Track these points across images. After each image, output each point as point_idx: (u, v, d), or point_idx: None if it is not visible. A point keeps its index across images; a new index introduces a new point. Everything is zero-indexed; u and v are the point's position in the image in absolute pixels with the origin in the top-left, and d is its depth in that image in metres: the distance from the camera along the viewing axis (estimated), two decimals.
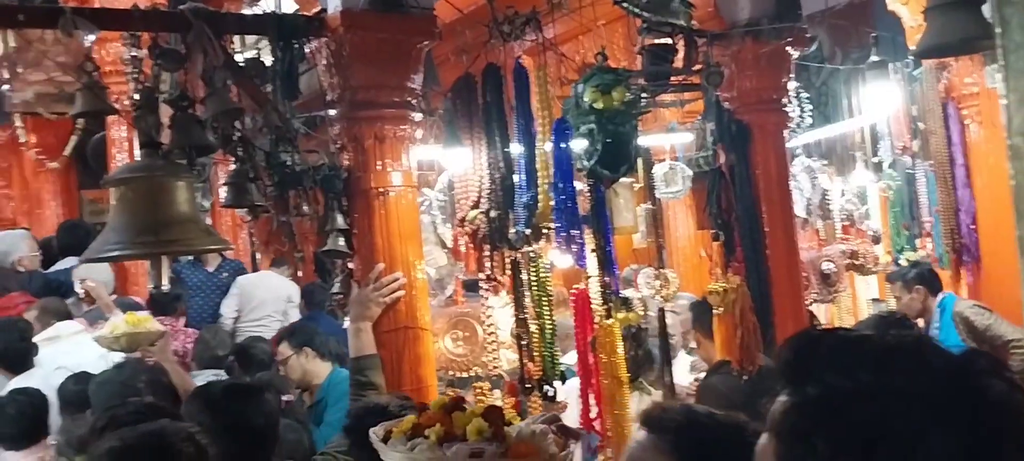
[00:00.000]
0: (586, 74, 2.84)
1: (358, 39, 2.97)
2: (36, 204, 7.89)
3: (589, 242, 2.93)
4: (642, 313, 3.29)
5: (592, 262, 2.95)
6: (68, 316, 4.36)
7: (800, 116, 4.30)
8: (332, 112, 3.08)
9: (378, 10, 2.96)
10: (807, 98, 4.52)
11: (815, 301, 4.87)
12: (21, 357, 3.80)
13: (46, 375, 3.75)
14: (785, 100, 3.77)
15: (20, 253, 5.51)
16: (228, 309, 5.38)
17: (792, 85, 3.85)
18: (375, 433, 1.84)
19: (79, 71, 2.77)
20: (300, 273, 9.96)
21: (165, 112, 2.90)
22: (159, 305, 4.42)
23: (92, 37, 2.89)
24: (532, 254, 3.06)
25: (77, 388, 3.40)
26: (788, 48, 3.70)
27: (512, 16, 3.02)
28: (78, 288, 4.53)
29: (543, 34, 3.05)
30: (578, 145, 2.81)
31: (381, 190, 3.03)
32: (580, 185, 2.98)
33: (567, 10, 3.58)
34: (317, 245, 8.47)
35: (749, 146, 3.61)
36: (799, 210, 4.83)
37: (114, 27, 2.81)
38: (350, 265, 3.17)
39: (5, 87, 6.73)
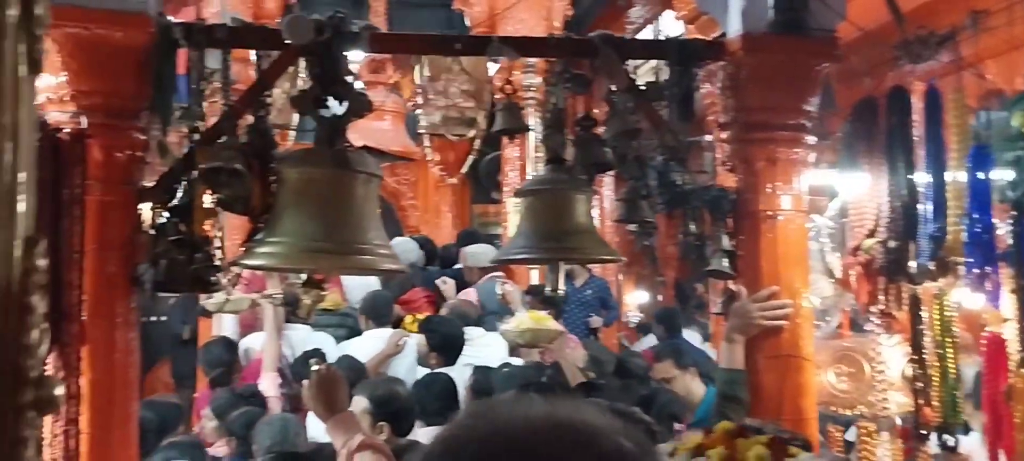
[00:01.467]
0: (1015, 98, 2.58)
1: (756, 62, 2.97)
2: (434, 214, 8.92)
3: (1005, 282, 2.65)
4: None
5: (1008, 304, 2.66)
6: (476, 321, 4.88)
7: None
8: (708, 135, 3.12)
9: (780, 33, 2.94)
10: None
11: None
12: (455, 351, 4.33)
13: (457, 369, 4.21)
14: None
15: (418, 255, 6.28)
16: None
17: None
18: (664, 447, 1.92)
19: (499, 92, 3.08)
20: (660, 297, 10.10)
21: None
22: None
23: (496, 66, 3.20)
24: (936, 290, 2.84)
25: (483, 380, 3.78)
26: None
27: (926, 36, 2.84)
28: (498, 290, 5.05)
29: (961, 55, 2.82)
30: (1001, 175, 2.56)
31: (770, 213, 3.00)
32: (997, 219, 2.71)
33: (974, 30, 3.29)
34: (678, 271, 8.61)
35: None
36: None
37: (532, 53, 3.08)
38: (732, 287, 3.16)
39: (418, 111, 7.67)
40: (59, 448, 2.40)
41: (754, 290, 2.98)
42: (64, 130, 2.50)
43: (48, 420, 2.30)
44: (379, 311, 5.00)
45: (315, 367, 2.83)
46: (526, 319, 3.90)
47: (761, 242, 2.99)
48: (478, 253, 5.80)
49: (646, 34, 6.67)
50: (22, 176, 0.56)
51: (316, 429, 3.76)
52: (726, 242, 3.05)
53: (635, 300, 9.14)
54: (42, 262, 0.56)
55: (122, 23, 2.55)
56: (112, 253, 2.54)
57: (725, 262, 3.07)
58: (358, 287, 5.35)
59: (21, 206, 0.55)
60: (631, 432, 0.84)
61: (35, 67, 0.60)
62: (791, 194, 2.99)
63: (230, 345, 4.70)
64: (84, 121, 2.55)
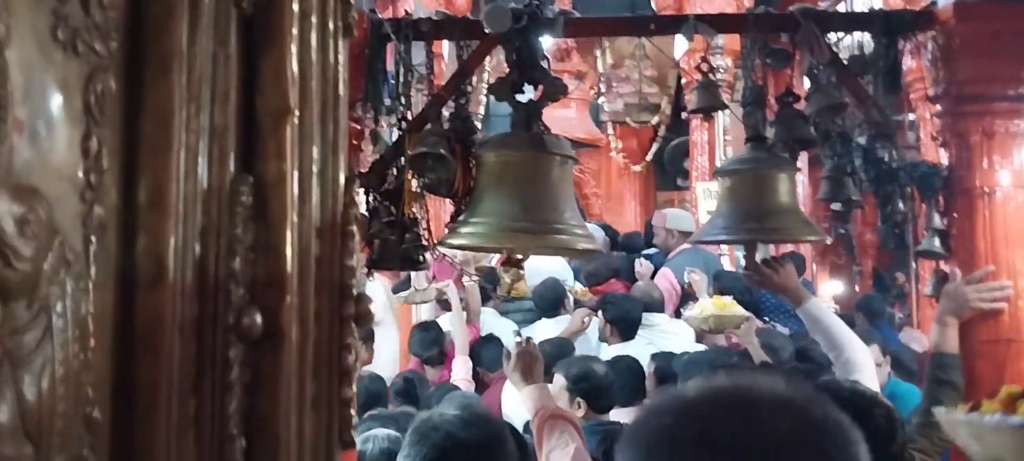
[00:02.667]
0: None
1: (970, 30, 2.81)
2: (618, 202, 8.92)
3: None
4: None
5: None
6: (660, 308, 4.87)
7: None
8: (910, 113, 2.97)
9: None
10: None
11: None
12: (631, 327, 4.37)
13: (638, 350, 4.23)
14: None
15: (603, 240, 6.29)
16: None
17: None
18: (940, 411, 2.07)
19: (694, 72, 3.07)
20: (857, 287, 9.65)
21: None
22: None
23: (686, 46, 3.17)
24: None
25: (664, 366, 3.78)
26: None
27: None
28: (685, 278, 5.04)
29: None
30: None
31: (987, 190, 2.83)
32: None
33: None
34: (876, 260, 8.16)
35: None
36: None
37: (730, 30, 3.04)
38: (944, 268, 3.01)
39: (602, 99, 7.73)
40: None
41: (968, 271, 2.82)
42: None
43: None
44: (549, 302, 5.11)
45: (517, 340, 2.96)
46: (710, 305, 3.85)
47: (977, 220, 2.83)
48: (681, 216, 5.73)
49: (840, 9, 6.38)
50: (343, 124, 0.65)
51: (510, 406, 3.88)
52: (938, 220, 2.91)
53: (829, 290, 8.76)
54: (359, 197, 0.65)
55: None
56: None
57: (936, 242, 2.93)
58: (539, 277, 5.45)
59: (341, 151, 0.64)
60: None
61: (348, 31, 0.70)
62: (1011, 169, 2.81)
63: (439, 328, 4.94)
64: None
